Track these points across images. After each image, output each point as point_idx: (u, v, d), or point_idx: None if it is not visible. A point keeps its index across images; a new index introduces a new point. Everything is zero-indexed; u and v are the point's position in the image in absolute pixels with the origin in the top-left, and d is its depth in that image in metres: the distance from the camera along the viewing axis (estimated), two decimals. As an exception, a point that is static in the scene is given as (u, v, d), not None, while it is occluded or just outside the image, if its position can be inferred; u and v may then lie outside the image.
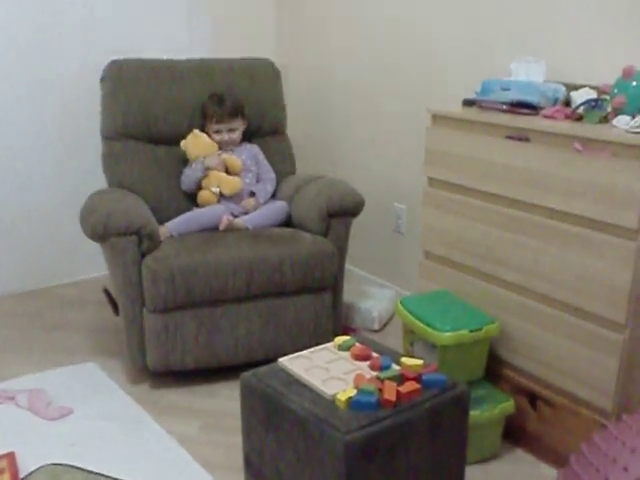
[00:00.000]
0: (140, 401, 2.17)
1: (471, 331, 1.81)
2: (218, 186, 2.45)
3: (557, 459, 1.81)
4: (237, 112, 2.53)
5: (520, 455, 1.89)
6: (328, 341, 2.20)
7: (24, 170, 2.92)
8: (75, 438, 1.97)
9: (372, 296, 2.76)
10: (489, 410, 1.80)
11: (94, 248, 3.06)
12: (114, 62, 2.56)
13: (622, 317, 1.61)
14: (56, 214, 3.02)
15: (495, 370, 1.94)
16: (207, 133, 2.54)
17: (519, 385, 1.89)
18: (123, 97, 2.52)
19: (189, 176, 2.50)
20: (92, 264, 3.14)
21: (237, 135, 2.54)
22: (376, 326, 2.64)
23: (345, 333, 2.53)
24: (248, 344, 2.24)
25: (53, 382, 2.25)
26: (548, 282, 1.77)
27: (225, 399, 2.20)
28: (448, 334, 1.80)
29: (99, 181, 2.91)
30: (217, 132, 2.52)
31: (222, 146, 2.53)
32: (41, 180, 2.96)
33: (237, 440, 1.95)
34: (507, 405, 1.84)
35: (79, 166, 3.02)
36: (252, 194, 2.52)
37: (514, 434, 1.90)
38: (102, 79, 2.55)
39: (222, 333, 2.21)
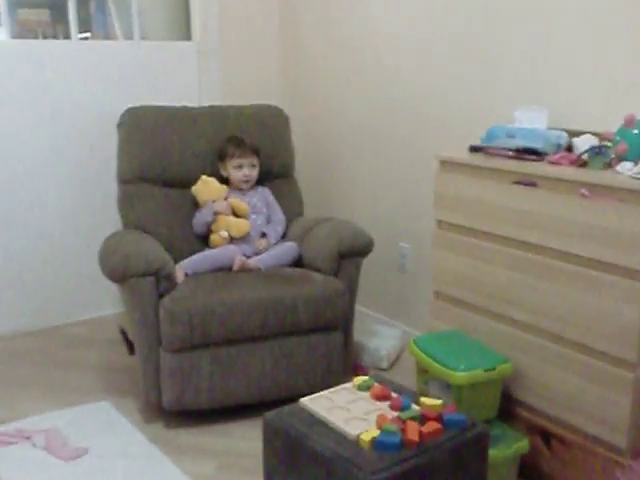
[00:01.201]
0: (155, 440, 2.19)
1: (485, 370, 1.86)
2: (227, 230, 2.52)
3: (571, 497, 1.84)
4: (257, 150, 2.62)
5: (535, 494, 1.92)
6: (339, 380, 2.27)
7: (37, 211, 2.98)
8: (92, 478, 1.98)
9: (379, 334, 2.80)
10: (504, 450, 1.83)
11: (103, 287, 3.14)
12: (131, 109, 2.65)
13: (633, 355, 1.66)
14: (67, 254, 3.07)
15: (508, 409, 1.98)
16: (221, 176, 2.61)
17: (533, 424, 1.93)
18: (139, 142, 2.60)
19: (199, 220, 2.57)
20: (101, 303, 3.19)
21: (256, 173, 2.62)
22: (385, 365, 2.67)
23: (355, 372, 2.57)
24: (261, 383, 2.27)
25: (67, 421, 2.27)
26: (558, 321, 1.83)
27: (239, 439, 2.22)
28: (463, 374, 1.84)
29: (110, 223, 2.99)
30: (239, 167, 2.59)
31: (241, 184, 2.60)
32: (53, 220, 3.02)
33: (255, 480, 1.98)
34: (522, 444, 1.87)
35: (90, 208, 3.09)
36: (263, 235, 2.59)
37: (528, 473, 1.93)
38: (119, 125, 2.63)
39: (236, 372, 2.24)
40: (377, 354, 2.68)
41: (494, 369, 1.87)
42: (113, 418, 2.31)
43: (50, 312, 3.06)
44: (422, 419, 1.54)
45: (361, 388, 1.70)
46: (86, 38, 3.23)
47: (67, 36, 3.04)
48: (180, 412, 2.28)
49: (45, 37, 3.14)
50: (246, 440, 2.21)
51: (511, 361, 1.92)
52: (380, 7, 2.86)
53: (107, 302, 3.20)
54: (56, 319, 3.07)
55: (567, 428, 1.85)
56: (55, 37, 3.17)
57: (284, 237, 2.66)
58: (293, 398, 1.76)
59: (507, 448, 1.84)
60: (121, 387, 2.53)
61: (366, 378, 1.74)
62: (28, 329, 2.99)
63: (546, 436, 1.90)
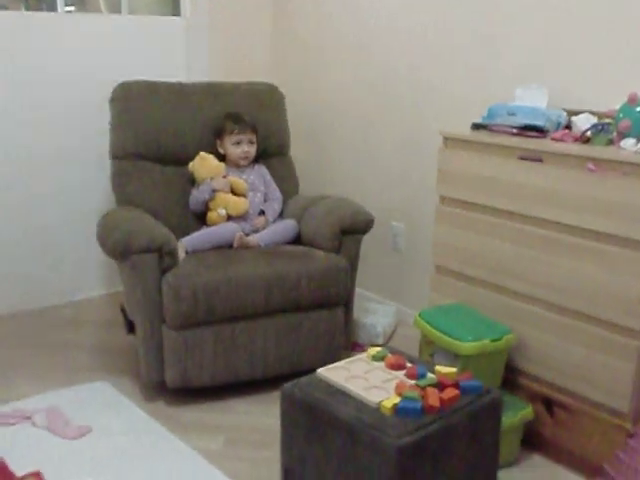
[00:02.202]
0: (158, 418, 2.18)
1: (492, 341, 1.91)
2: (224, 208, 2.50)
3: (574, 462, 1.91)
4: (255, 127, 2.61)
5: (538, 460, 1.98)
6: (341, 355, 2.29)
7: (22, 191, 2.90)
8: (98, 455, 1.97)
9: (374, 312, 2.84)
10: (510, 417, 1.88)
11: (92, 268, 3.11)
12: (123, 84, 2.60)
13: (637, 324, 1.73)
14: (53, 235, 3.01)
15: (510, 379, 2.04)
16: (218, 153, 2.59)
17: (535, 392, 1.99)
18: (133, 117, 2.56)
19: (196, 197, 2.55)
20: (90, 284, 3.14)
21: (254, 150, 2.61)
22: (381, 341, 2.71)
23: (353, 348, 2.61)
24: (264, 359, 2.28)
25: (67, 401, 2.23)
26: (562, 293, 1.89)
27: (243, 414, 2.23)
28: (471, 344, 1.88)
29: (98, 202, 2.95)
30: (237, 144, 2.57)
31: (239, 161, 2.58)
32: (39, 200, 2.95)
33: (264, 454, 2.01)
34: (527, 412, 1.93)
35: (77, 187, 3.03)
36: (262, 212, 2.58)
37: (531, 440, 1.99)
38: (112, 100, 2.59)
39: (239, 349, 2.24)
40: (373, 330, 2.71)
41: (501, 339, 1.92)
42: (113, 397, 2.29)
43: (38, 294, 2.99)
44: (440, 386, 1.58)
45: (375, 358, 1.73)
46: (70, 12, 3.15)
47: (52, 8, 2.96)
48: (181, 390, 2.27)
49: (28, 9, 3.05)
50: (250, 415, 2.22)
51: (514, 332, 1.97)
52: (374, -14, 2.87)
53: (95, 283, 3.16)
54: (44, 301, 3.01)
55: (569, 395, 1.91)
56: (39, 9, 3.08)
57: (281, 215, 2.66)
58: (295, 374, 1.78)
59: (513, 415, 1.90)
60: (118, 367, 2.50)
61: (379, 349, 1.77)
62: (16, 311, 2.93)
63: (548, 404, 1.96)
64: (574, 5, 2.21)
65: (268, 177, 2.67)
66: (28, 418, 2.12)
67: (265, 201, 2.64)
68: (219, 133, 2.60)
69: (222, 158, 2.61)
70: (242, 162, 2.59)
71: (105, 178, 2.66)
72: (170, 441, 2.05)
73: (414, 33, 2.74)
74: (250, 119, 2.61)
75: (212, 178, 2.52)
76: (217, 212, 2.50)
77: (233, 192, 2.56)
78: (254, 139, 2.61)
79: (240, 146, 2.57)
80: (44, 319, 2.91)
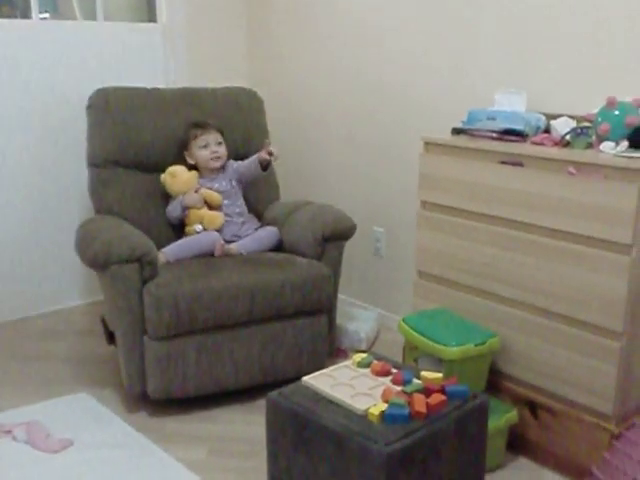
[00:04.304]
0: (141, 429, 2.14)
1: (476, 345, 1.91)
2: (201, 223, 2.47)
3: (560, 464, 1.92)
4: (221, 129, 2.57)
5: (523, 463, 1.99)
6: (325, 363, 2.29)
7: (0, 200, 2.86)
8: (81, 469, 1.93)
9: (357, 318, 2.83)
10: (495, 421, 1.89)
11: (69, 278, 3.06)
12: (101, 90, 2.57)
13: (619, 325, 1.75)
14: (30, 244, 2.96)
15: (495, 382, 2.04)
16: (188, 163, 2.54)
17: (519, 395, 2.00)
18: (111, 124, 2.53)
19: (170, 213, 2.52)
20: (66, 294, 3.09)
21: (224, 150, 2.55)
22: (364, 346, 2.70)
23: (337, 354, 2.60)
24: (248, 368, 2.26)
25: (47, 414, 2.20)
26: (545, 296, 1.90)
27: (227, 424, 2.20)
28: (455, 349, 1.89)
29: (76, 211, 2.91)
30: (205, 147, 2.52)
31: (211, 163, 2.52)
32: (16, 209, 2.90)
33: (250, 464, 1.99)
34: (511, 415, 1.94)
35: (55, 196, 2.99)
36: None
37: (516, 443, 2.00)
38: (89, 107, 2.55)
39: (222, 358, 2.22)
40: (356, 336, 2.70)
41: (484, 343, 1.92)
42: (94, 409, 2.25)
43: (14, 304, 2.94)
44: (426, 392, 1.58)
45: (361, 365, 1.72)
46: (44, 19, 3.11)
47: (26, 16, 2.92)
48: (164, 400, 2.24)
49: (2, 16, 2.99)
50: (234, 424, 2.19)
51: (498, 336, 1.98)
52: (353, -9, 2.87)
53: (74, 293, 3.11)
54: (22, 311, 2.96)
55: (554, 398, 1.92)
56: (12, 17, 3.03)
57: (261, 221, 2.64)
58: (280, 382, 1.77)
59: (498, 419, 1.90)
60: (99, 378, 2.46)
61: (365, 355, 1.76)
62: (-8, 322, 2.88)
63: (533, 407, 1.97)
64: (552, 10, 2.23)
65: (239, 167, 2.58)
66: (8, 432, 2.08)
67: (247, 180, 2.57)
68: (185, 143, 2.55)
69: (193, 169, 2.56)
70: (214, 164, 2.53)
71: (83, 186, 2.62)
72: (153, 453, 2.02)
73: (394, 38, 2.74)
74: (214, 122, 2.57)
75: (185, 193, 2.48)
76: (193, 228, 2.47)
77: (208, 205, 2.51)
78: (220, 139, 2.55)
79: (208, 147, 2.52)
80: (22, 330, 2.86)
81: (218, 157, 2.54)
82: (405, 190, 2.76)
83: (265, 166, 2.52)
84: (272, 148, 2.48)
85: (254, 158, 2.53)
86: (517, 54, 2.35)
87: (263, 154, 2.48)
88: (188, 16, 3.17)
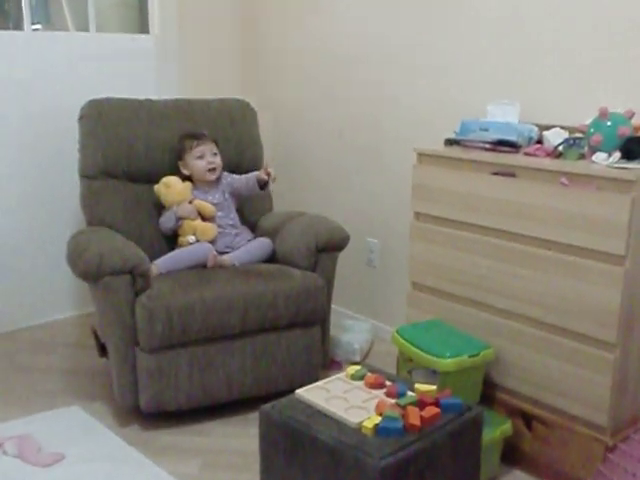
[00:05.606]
0: (133, 443, 2.12)
1: (470, 356, 1.91)
2: (194, 234, 2.46)
3: (554, 476, 1.91)
4: (215, 139, 2.57)
5: (518, 475, 1.98)
6: (318, 374, 2.27)
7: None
8: (72, 484, 1.91)
9: (350, 329, 2.82)
10: (490, 433, 1.88)
11: (61, 290, 3.04)
12: (93, 101, 2.56)
13: (613, 337, 1.74)
14: (21, 256, 2.94)
15: (489, 394, 2.04)
16: (182, 174, 2.53)
17: (513, 407, 1.99)
18: (103, 136, 2.52)
19: (163, 224, 2.50)
20: (58, 306, 3.07)
21: (219, 160, 2.54)
22: (358, 358, 2.69)
23: (331, 366, 2.58)
24: (241, 381, 2.24)
25: (38, 427, 2.17)
26: (539, 307, 1.90)
27: (220, 437, 2.18)
28: (450, 360, 1.88)
29: (67, 223, 2.89)
30: (200, 157, 2.50)
31: (207, 175, 2.50)
32: (7, 220, 2.88)
33: (243, 477, 1.97)
34: (506, 427, 1.93)
35: (47, 207, 2.97)
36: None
37: (511, 455, 1.99)
38: (81, 118, 2.54)
39: (215, 370, 2.20)
40: (350, 347, 2.69)
41: (478, 355, 1.92)
42: (86, 422, 2.23)
43: (5, 316, 2.91)
44: (420, 404, 1.57)
45: (355, 377, 1.71)
46: (37, 30, 3.10)
47: (18, 27, 2.91)
48: (156, 413, 2.22)
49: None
50: (227, 437, 2.18)
51: (491, 347, 1.97)
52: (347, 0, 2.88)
53: (64, 305, 3.09)
54: (12, 323, 2.93)
55: (548, 409, 1.92)
56: (5, 28, 3.03)
57: (255, 232, 2.64)
58: (273, 395, 1.75)
59: (492, 431, 1.89)
60: (90, 391, 2.44)
61: (358, 368, 1.75)
62: (-18, 334, 2.85)
63: (527, 418, 1.96)
64: (544, 21, 2.25)
65: (234, 181, 2.57)
66: (-2, 446, 2.06)
67: (242, 192, 2.57)
68: (180, 154, 2.54)
69: (187, 180, 2.54)
70: (210, 176, 2.52)
71: (74, 197, 2.61)
72: (146, 466, 2.00)
73: (387, 50, 2.75)
74: (208, 133, 2.57)
75: (179, 204, 2.47)
76: (186, 239, 2.45)
77: (201, 216, 2.50)
78: (216, 149, 2.54)
79: (204, 158, 2.51)
80: (13, 342, 2.83)
81: (214, 168, 2.53)
82: (399, 201, 2.76)
83: (262, 185, 2.52)
84: (270, 169, 2.47)
85: (251, 176, 2.52)
86: (510, 65, 2.36)
87: (262, 174, 2.48)
88: (180, 27, 3.17)
